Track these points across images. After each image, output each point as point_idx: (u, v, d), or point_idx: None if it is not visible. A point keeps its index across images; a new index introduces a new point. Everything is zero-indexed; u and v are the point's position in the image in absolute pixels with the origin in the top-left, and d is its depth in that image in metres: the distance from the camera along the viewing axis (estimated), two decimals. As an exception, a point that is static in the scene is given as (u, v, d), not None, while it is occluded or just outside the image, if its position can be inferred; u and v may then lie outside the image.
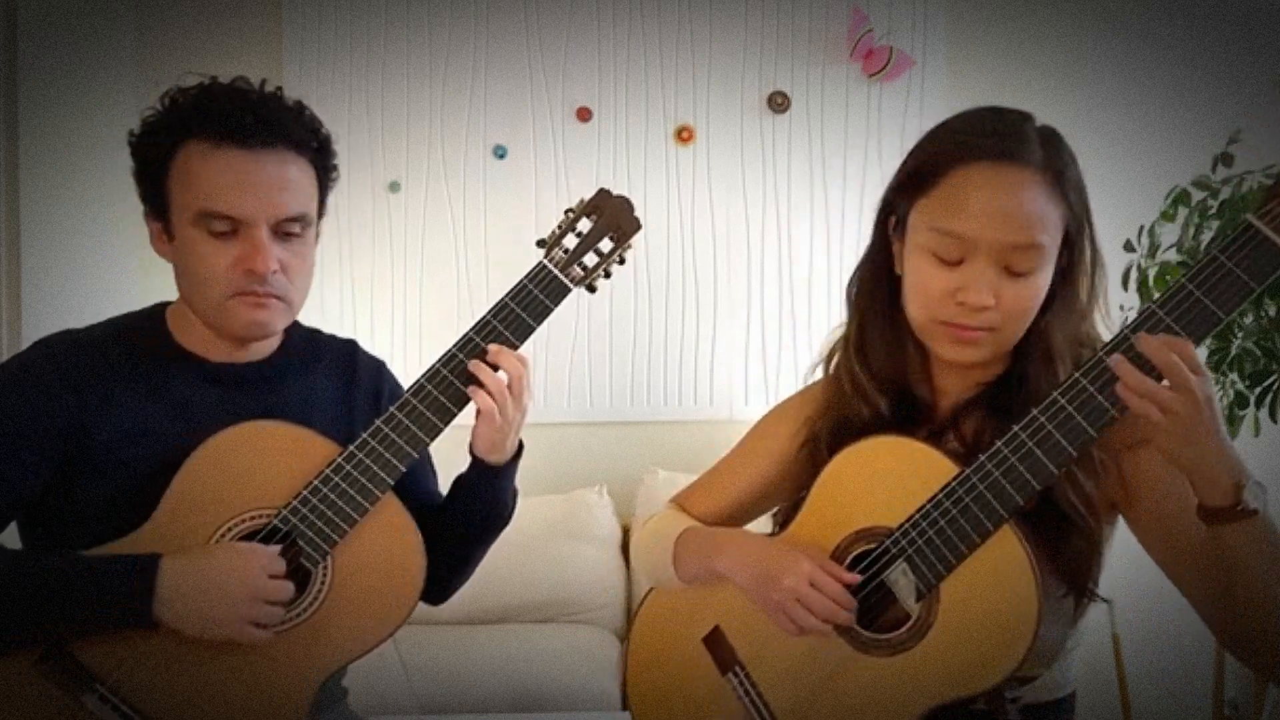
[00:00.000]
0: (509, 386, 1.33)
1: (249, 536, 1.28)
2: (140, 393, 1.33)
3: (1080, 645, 1.30)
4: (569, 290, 1.38)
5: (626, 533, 3.08)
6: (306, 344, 1.47)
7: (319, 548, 1.28)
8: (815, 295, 3.21)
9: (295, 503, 1.28)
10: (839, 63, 3.20)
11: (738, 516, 1.45)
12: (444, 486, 1.51)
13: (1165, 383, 1.04)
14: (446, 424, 1.33)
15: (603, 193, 1.40)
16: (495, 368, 1.33)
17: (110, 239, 2.80)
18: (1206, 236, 2.38)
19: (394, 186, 3.19)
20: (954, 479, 1.16)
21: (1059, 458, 1.11)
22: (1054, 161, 1.18)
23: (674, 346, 3.26)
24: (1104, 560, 1.24)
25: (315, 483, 1.28)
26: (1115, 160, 3.10)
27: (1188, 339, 1.05)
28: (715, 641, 1.33)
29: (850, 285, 1.35)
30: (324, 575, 1.29)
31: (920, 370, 1.29)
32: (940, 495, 1.16)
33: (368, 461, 1.29)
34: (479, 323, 1.35)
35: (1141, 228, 2.51)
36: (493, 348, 1.33)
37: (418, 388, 1.32)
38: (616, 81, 3.20)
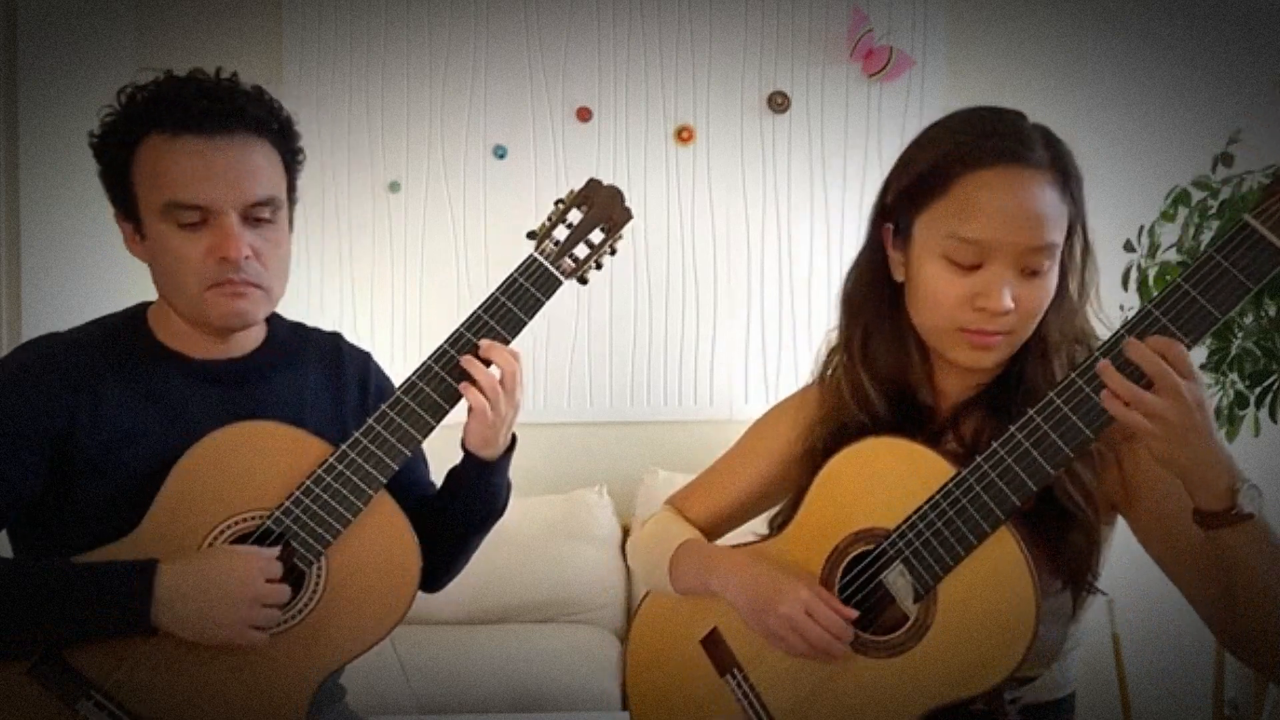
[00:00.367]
0: (501, 382, 1.32)
1: (242, 538, 1.27)
2: (126, 394, 1.32)
3: (1079, 646, 1.30)
4: (560, 282, 1.36)
5: (626, 533, 3.08)
6: (291, 337, 1.46)
7: (313, 548, 1.27)
8: (815, 295, 3.21)
9: (288, 503, 1.27)
10: (839, 63, 3.20)
11: (734, 518, 1.45)
12: (436, 479, 1.50)
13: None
14: (439, 421, 1.31)
15: (593, 183, 1.39)
16: (488, 363, 1.32)
17: (110, 239, 2.78)
18: (1206, 236, 2.38)
19: (394, 186, 3.19)
20: (951, 480, 1.15)
21: (1056, 459, 1.10)
22: (1059, 160, 1.18)
23: (674, 346, 3.26)
24: (1104, 559, 1.24)
25: (308, 483, 1.28)
26: (1115, 160, 3.10)
27: (1184, 339, 1.05)
28: (713, 643, 1.32)
29: (846, 293, 1.34)
30: (319, 575, 1.28)
31: (922, 373, 1.29)
32: (937, 496, 1.16)
33: (360, 460, 1.28)
34: (470, 318, 1.33)
35: (1141, 228, 2.51)
36: (484, 343, 1.32)
37: (410, 385, 1.31)
38: (616, 81, 3.20)
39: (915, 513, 1.17)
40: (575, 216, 1.37)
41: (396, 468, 1.29)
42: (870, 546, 1.21)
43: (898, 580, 1.18)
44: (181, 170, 1.26)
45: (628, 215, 1.39)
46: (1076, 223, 1.21)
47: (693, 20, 3.20)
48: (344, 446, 1.29)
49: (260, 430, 1.32)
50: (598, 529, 3.05)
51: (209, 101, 1.27)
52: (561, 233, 1.36)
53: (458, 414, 1.35)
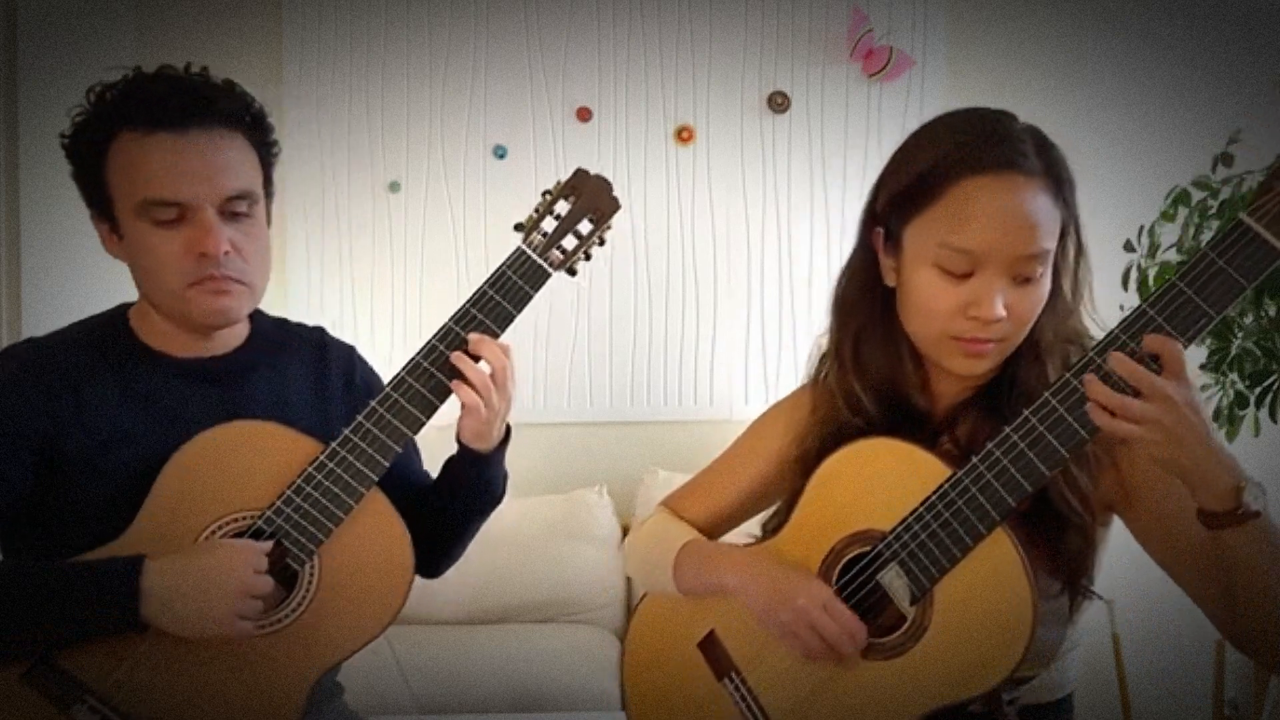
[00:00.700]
0: (492, 377, 1.31)
1: (234, 538, 1.26)
2: (111, 395, 1.31)
3: (1078, 646, 1.30)
4: (549, 275, 1.34)
5: (626, 533, 3.08)
6: (274, 333, 1.45)
7: (305, 547, 1.27)
8: (815, 295, 3.21)
9: (279, 503, 1.27)
10: (839, 63, 3.20)
11: (730, 519, 1.44)
12: (431, 472, 1.50)
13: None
14: (429, 416, 1.30)
15: (580, 173, 1.37)
16: (477, 359, 1.31)
17: (110, 239, 2.79)
18: (1206, 236, 2.38)
19: (394, 186, 3.19)
20: (946, 482, 1.15)
21: (1051, 459, 1.10)
22: (1051, 165, 1.17)
23: (674, 346, 3.26)
24: (1100, 559, 1.24)
25: (299, 482, 1.27)
26: (1115, 160, 3.10)
27: (1179, 338, 1.04)
28: (711, 647, 1.32)
29: (837, 298, 1.33)
30: (311, 574, 1.28)
31: (916, 378, 1.28)
32: (933, 498, 1.15)
33: (350, 459, 1.28)
34: (458, 312, 1.32)
35: (1141, 228, 2.51)
36: (473, 338, 1.30)
37: (398, 380, 1.30)
38: (616, 81, 3.20)
39: (911, 514, 1.17)
40: (563, 208, 1.35)
41: (387, 465, 1.29)
42: (867, 548, 1.21)
43: (894, 582, 1.18)
44: (156, 167, 1.26)
45: (615, 205, 1.37)
46: (1069, 225, 1.20)
47: (693, 20, 3.20)
48: (334, 444, 1.28)
49: (250, 430, 1.31)
50: (598, 529, 3.05)
51: (181, 97, 1.27)
52: (549, 224, 1.35)
53: (450, 415, 1.34)
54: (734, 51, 3.20)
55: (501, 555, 2.93)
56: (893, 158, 1.25)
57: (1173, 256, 2.46)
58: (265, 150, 1.36)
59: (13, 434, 1.27)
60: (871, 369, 1.28)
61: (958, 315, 1.17)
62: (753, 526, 1.42)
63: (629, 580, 3.05)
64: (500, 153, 3.19)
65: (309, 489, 1.27)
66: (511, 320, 1.33)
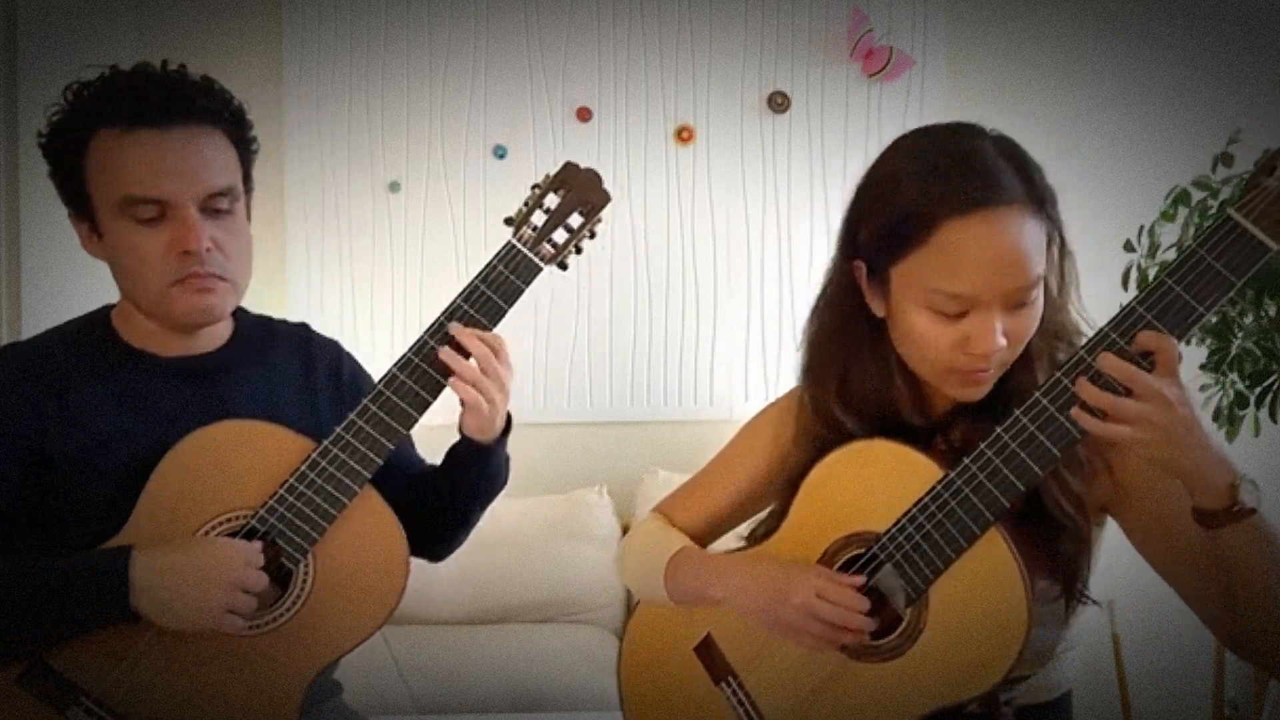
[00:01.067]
0: (484, 370, 1.30)
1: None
2: (98, 396, 1.31)
3: (1074, 647, 1.29)
4: (540, 269, 1.33)
5: (626, 533, 3.08)
6: (258, 330, 1.45)
7: (299, 546, 1.26)
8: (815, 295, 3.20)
9: (272, 502, 1.27)
10: (839, 63, 3.20)
11: (724, 523, 1.43)
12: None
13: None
14: (422, 412, 1.30)
15: (569, 166, 1.36)
16: (467, 354, 1.30)
17: (110, 239, 2.79)
18: (1207, 237, 2.38)
19: (394, 186, 3.19)
20: (939, 483, 1.14)
21: (1043, 459, 1.09)
22: (1031, 185, 1.14)
23: (674, 346, 3.26)
24: (1094, 562, 1.23)
25: (292, 481, 1.27)
26: (1115, 160, 3.11)
27: (1169, 335, 1.04)
28: (707, 650, 1.32)
29: (817, 335, 1.30)
30: (306, 572, 1.27)
31: (909, 396, 1.25)
32: (926, 499, 1.15)
33: (344, 456, 1.27)
34: (449, 307, 1.32)
35: (1141, 228, 2.50)
36: (454, 328, 1.30)
37: (390, 377, 1.30)
38: (616, 81, 3.20)
39: (905, 515, 1.16)
40: (552, 201, 1.34)
41: (381, 462, 1.28)
42: (862, 550, 1.20)
43: (890, 583, 1.17)
44: (136, 165, 1.25)
45: (605, 198, 1.36)
46: (1053, 234, 1.17)
47: (693, 20, 3.20)
48: (327, 442, 1.28)
49: (243, 429, 1.31)
50: (598, 529, 3.05)
51: (160, 94, 1.26)
52: (539, 218, 1.34)
53: (442, 416, 1.33)
54: (734, 51, 3.20)
55: (501, 555, 2.93)
56: (867, 186, 1.22)
57: (1173, 256, 2.46)
58: (244, 147, 1.35)
59: (31, 424, 1.27)
60: (858, 397, 1.25)
61: (956, 351, 1.15)
62: (745, 530, 1.42)
63: (629, 580, 3.05)
64: (500, 153, 3.19)
65: (302, 487, 1.27)
66: (503, 314, 1.32)
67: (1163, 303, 1.05)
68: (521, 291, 1.32)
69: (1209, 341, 2.32)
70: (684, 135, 3.21)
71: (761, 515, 1.39)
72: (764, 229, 3.24)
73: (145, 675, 1.23)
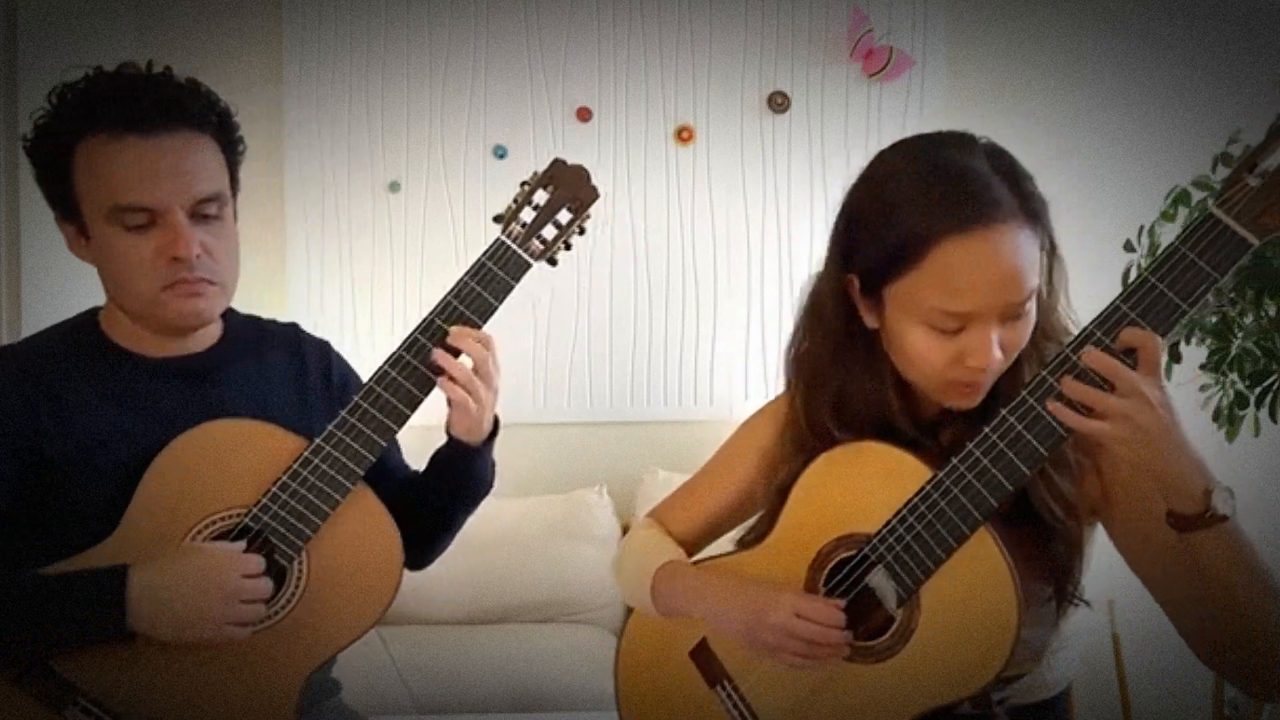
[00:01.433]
0: (476, 370, 1.30)
1: (220, 537, 1.27)
2: (90, 398, 1.31)
3: (1067, 646, 1.30)
4: (529, 265, 1.33)
5: (626, 533, 3.08)
6: (248, 330, 1.45)
7: (292, 544, 1.27)
8: (815, 295, 3.21)
9: (265, 500, 1.27)
10: (839, 63, 3.20)
11: (718, 527, 1.44)
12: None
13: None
14: (413, 410, 1.30)
15: (558, 162, 1.37)
16: (457, 353, 1.30)
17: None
18: (1207, 236, 2.38)
19: (394, 186, 3.19)
20: (928, 483, 1.15)
21: (1030, 458, 1.10)
22: (1023, 196, 1.14)
23: (674, 346, 3.26)
24: (1087, 563, 1.23)
25: (284, 479, 1.27)
26: (1115, 160, 3.10)
27: (1153, 332, 1.04)
28: (702, 655, 1.32)
29: (803, 353, 1.29)
30: (300, 570, 1.28)
31: (900, 405, 1.24)
32: (915, 500, 1.15)
33: (336, 454, 1.28)
34: (440, 304, 1.31)
35: (1141, 228, 2.50)
36: (454, 330, 1.30)
37: (381, 374, 1.30)
38: (616, 81, 3.20)
39: (895, 516, 1.16)
40: (541, 197, 1.35)
41: (373, 459, 1.28)
42: (853, 551, 1.20)
43: (881, 584, 1.18)
44: (126, 173, 1.25)
45: (594, 194, 1.36)
46: (1044, 241, 1.17)
47: (693, 20, 3.20)
48: (319, 440, 1.28)
49: (235, 428, 1.31)
50: (598, 529, 3.05)
51: (148, 100, 1.25)
52: (528, 214, 1.34)
53: (430, 416, 1.33)
54: (734, 51, 3.20)
55: (501, 555, 2.93)
56: (858, 205, 1.21)
57: (1173, 257, 2.45)
58: (231, 149, 1.35)
59: (26, 424, 1.27)
60: (853, 411, 1.25)
61: (954, 365, 1.15)
62: (736, 534, 1.42)
63: (629, 580, 3.05)
64: (500, 153, 3.19)
65: (295, 485, 1.27)
66: (493, 311, 1.32)
67: (1146, 300, 1.05)
68: (511, 288, 1.33)
69: (1209, 341, 2.32)
70: (684, 135, 3.21)
71: (751, 521, 1.39)
72: (764, 229, 3.24)
73: (143, 675, 1.23)
